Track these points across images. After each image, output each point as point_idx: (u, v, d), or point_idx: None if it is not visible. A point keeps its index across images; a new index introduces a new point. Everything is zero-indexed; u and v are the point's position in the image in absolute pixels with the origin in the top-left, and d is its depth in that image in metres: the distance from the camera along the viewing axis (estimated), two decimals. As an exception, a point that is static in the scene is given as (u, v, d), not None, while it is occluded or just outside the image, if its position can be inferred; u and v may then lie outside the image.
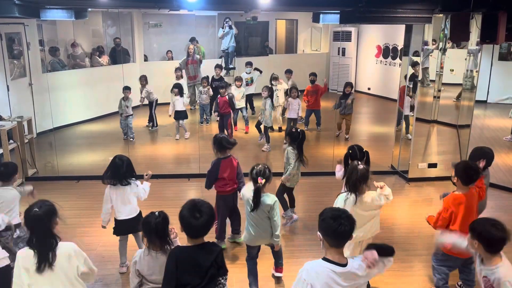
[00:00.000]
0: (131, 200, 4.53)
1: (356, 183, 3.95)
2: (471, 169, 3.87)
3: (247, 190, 4.26)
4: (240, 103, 9.59)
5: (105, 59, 11.38)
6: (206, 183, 5.19)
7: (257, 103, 10.66)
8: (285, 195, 5.79)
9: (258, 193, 4.08)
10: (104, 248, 5.20)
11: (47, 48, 10.30)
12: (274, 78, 9.81)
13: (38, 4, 6.72)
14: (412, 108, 7.42)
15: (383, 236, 5.39)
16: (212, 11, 12.14)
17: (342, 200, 4.02)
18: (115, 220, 4.63)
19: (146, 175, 4.65)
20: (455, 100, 10.09)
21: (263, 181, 4.07)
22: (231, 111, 9.08)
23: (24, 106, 8.58)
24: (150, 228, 3.12)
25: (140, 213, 4.59)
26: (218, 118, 9.22)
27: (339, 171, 4.95)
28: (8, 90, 8.30)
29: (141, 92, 9.80)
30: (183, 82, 10.41)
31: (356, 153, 4.71)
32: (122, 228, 4.64)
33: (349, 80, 14.37)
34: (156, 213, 3.18)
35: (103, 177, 4.50)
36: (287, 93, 9.55)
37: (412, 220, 6.05)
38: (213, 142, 5.11)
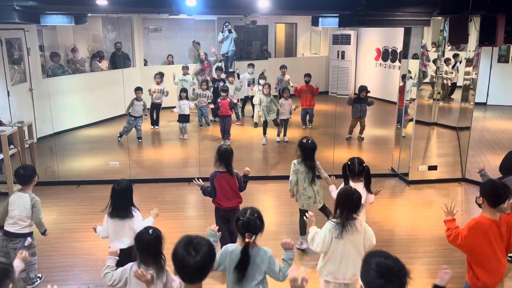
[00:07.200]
0: (125, 236, 4.08)
1: (348, 213, 3.45)
2: (499, 187, 3.43)
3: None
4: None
5: (105, 63, 11.40)
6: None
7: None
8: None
9: (246, 253, 3.10)
10: (105, 253, 5.16)
11: (47, 53, 10.32)
12: (262, 77, 10.23)
13: (38, 9, 6.73)
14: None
15: (384, 239, 5.40)
16: (212, 16, 12.19)
17: (327, 231, 3.53)
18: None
19: (154, 212, 4.24)
20: (448, 98, 10.22)
21: (253, 238, 3.07)
22: (231, 113, 9.33)
23: (24, 111, 8.59)
24: (142, 245, 3.03)
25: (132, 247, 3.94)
26: (218, 120, 9.47)
27: (334, 190, 4.67)
28: (8, 95, 8.31)
29: (156, 90, 9.98)
30: (189, 78, 10.66)
31: (355, 167, 4.51)
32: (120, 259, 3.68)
33: (348, 83, 14.49)
34: (150, 230, 3.04)
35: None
36: (280, 95, 9.72)
37: (412, 223, 6.04)
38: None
